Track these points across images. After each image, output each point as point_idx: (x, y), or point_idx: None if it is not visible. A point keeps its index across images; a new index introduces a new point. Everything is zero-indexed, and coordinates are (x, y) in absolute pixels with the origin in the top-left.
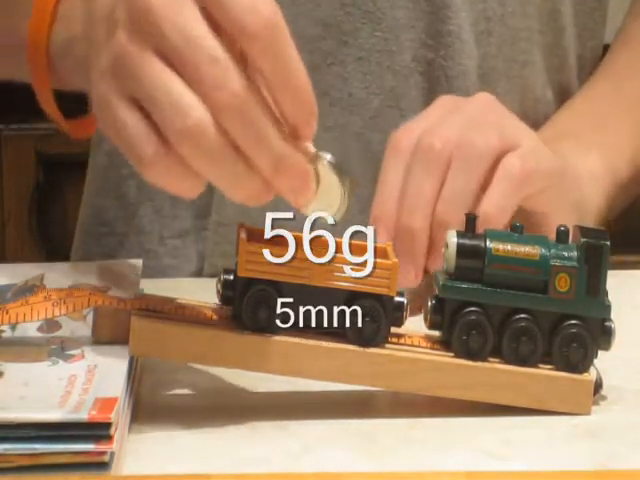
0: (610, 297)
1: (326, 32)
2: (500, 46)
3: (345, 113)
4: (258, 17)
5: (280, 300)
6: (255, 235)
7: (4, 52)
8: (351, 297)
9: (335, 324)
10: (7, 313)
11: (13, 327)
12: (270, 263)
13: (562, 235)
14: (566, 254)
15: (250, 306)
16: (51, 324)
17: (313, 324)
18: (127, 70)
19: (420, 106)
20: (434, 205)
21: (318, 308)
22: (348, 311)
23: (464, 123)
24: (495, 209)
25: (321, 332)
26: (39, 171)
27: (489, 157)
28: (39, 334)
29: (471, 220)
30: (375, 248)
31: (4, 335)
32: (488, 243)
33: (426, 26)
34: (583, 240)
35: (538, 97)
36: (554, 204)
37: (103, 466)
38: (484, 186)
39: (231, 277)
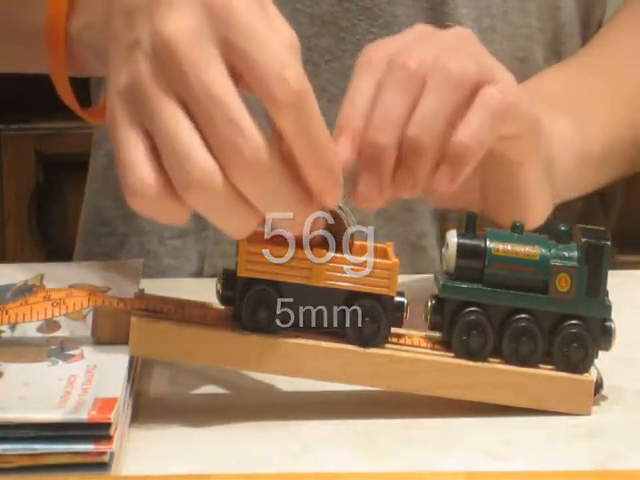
0: (610, 297)
1: (324, 29)
2: (501, 42)
3: None
4: (287, 87)
5: (280, 300)
6: (255, 235)
7: (19, 40)
8: (351, 297)
9: (335, 324)
10: (7, 313)
11: (13, 327)
12: (270, 263)
13: (562, 235)
14: (566, 254)
15: (250, 306)
16: (51, 324)
17: (313, 324)
18: (142, 102)
19: None
20: (405, 124)
21: (318, 308)
22: (348, 311)
23: (440, 48)
24: (471, 140)
25: (321, 332)
26: (39, 171)
27: (466, 83)
28: (39, 334)
29: (471, 220)
30: (375, 248)
31: (4, 335)
32: (488, 243)
33: (425, 23)
34: (583, 240)
35: None
36: (527, 154)
37: (103, 466)
38: (458, 116)
39: (231, 277)
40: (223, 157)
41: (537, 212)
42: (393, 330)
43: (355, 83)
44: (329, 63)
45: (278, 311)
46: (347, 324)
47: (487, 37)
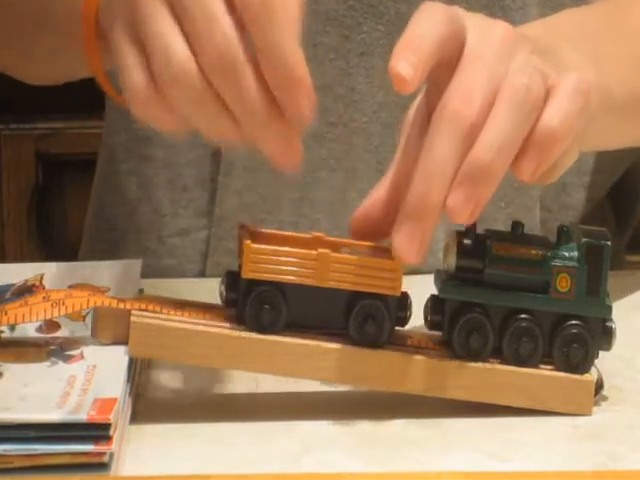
0: (611, 297)
1: (329, 26)
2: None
3: (349, 109)
4: None
5: (283, 301)
6: (258, 236)
7: (50, 29)
8: (354, 297)
9: (338, 325)
10: (6, 314)
11: (12, 328)
12: (274, 264)
13: (562, 235)
14: (567, 254)
15: (253, 307)
16: (50, 325)
17: (316, 325)
18: (137, 14)
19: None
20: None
21: (322, 308)
22: (352, 312)
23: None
24: (560, 124)
25: (324, 333)
26: (39, 171)
27: (542, 102)
28: (38, 335)
29: None
30: (378, 248)
31: (3, 336)
32: (488, 243)
33: None
34: (584, 240)
35: None
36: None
37: (102, 467)
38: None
39: (235, 279)
40: (197, 47)
41: (561, 171)
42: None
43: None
44: (334, 61)
45: (282, 312)
46: (351, 324)
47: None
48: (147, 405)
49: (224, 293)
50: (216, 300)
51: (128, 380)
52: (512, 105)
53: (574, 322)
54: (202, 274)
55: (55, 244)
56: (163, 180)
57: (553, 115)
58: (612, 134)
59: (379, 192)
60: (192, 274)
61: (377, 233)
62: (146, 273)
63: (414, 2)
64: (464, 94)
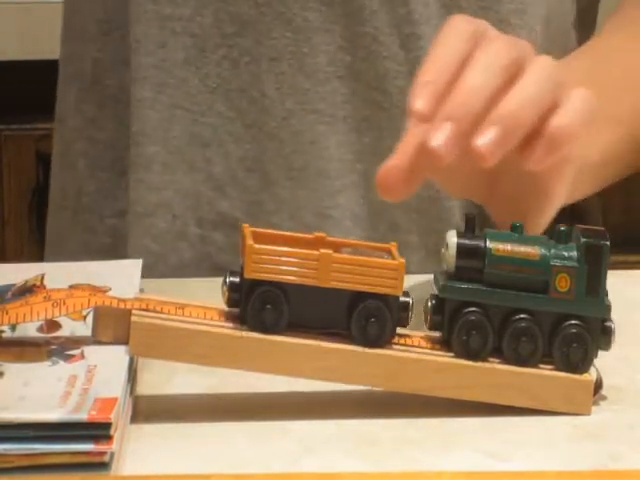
0: (610, 297)
1: (242, 29)
2: (427, 49)
3: (262, 113)
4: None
5: (285, 301)
6: (260, 236)
7: None
8: (356, 298)
9: (340, 325)
10: (7, 313)
11: (13, 327)
12: (276, 264)
13: (562, 235)
14: (566, 254)
15: (255, 307)
16: (51, 324)
17: (318, 325)
18: None
19: (344, 110)
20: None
21: (324, 309)
22: (354, 312)
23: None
24: (572, 124)
25: (326, 333)
26: (39, 171)
27: (560, 91)
28: (39, 334)
29: (470, 220)
30: (380, 248)
31: (4, 335)
32: (488, 243)
33: (342, 30)
34: (583, 240)
35: None
36: (562, 170)
37: (103, 466)
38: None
39: (237, 279)
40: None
41: (546, 221)
42: None
43: (442, 39)
44: (248, 65)
45: (283, 312)
46: (353, 325)
47: (410, 45)
48: (147, 405)
49: (226, 293)
50: (217, 300)
51: (129, 380)
52: (538, 76)
53: (574, 322)
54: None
55: None
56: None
57: (568, 110)
58: (583, 191)
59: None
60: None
61: (404, 185)
62: (88, 251)
63: (322, 10)
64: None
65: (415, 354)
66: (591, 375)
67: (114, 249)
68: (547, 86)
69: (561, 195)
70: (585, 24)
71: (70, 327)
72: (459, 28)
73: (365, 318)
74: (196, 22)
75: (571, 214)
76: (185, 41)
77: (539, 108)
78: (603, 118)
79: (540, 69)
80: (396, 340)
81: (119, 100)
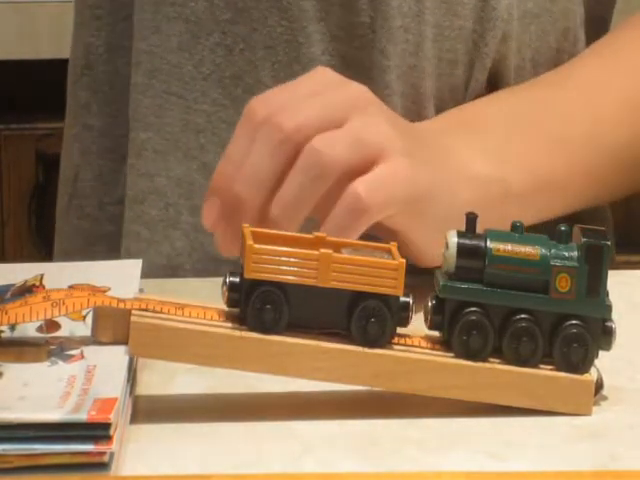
0: (611, 297)
1: (238, 16)
2: (420, 44)
3: None
4: None
5: (285, 301)
6: (260, 236)
7: None
8: (356, 298)
9: (340, 325)
10: (6, 313)
11: (12, 327)
12: (276, 264)
13: (562, 235)
14: (567, 254)
15: (255, 307)
16: (50, 324)
17: (318, 325)
18: None
19: None
20: (270, 187)
21: (323, 309)
22: (354, 312)
23: (328, 115)
24: (368, 193)
25: (326, 333)
26: (39, 171)
27: (332, 175)
28: (38, 334)
29: (471, 220)
30: (380, 248)
31: (3, 335)
32: (488, 243)
33: (338, 19)
34: (583, 240)
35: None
36: (412, 224)
37: (103, 466)
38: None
39: (237, 279)
40: None
41: (431, 257)
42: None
43: (234, 141)
44: (243, 52)
45: (283, 312)
46: (353, 325)
47: (402, 37)
48: (147, 405)
49: (226, 293)
50: (216, 300)
51: (128, 380)
52: (299, 167)
53: (574, 322)
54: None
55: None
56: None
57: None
58: (511, 219)
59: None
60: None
61: None
62: (87, 240)
63: None
64: (293, 116)
65: (415, 354)
66: (592, 375)
67: (117, 236)
68: (309, 173)
69: (427, 246)
70: (599, 33)
71: (70, 327)
72: (253, 123)
73: (365, 318)
74: (190, 7)
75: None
76: (179, 27)
77: (299, 204)
78: (531, 146)
79: (308, 153)
80: (396, 340)
81: (113, 86)
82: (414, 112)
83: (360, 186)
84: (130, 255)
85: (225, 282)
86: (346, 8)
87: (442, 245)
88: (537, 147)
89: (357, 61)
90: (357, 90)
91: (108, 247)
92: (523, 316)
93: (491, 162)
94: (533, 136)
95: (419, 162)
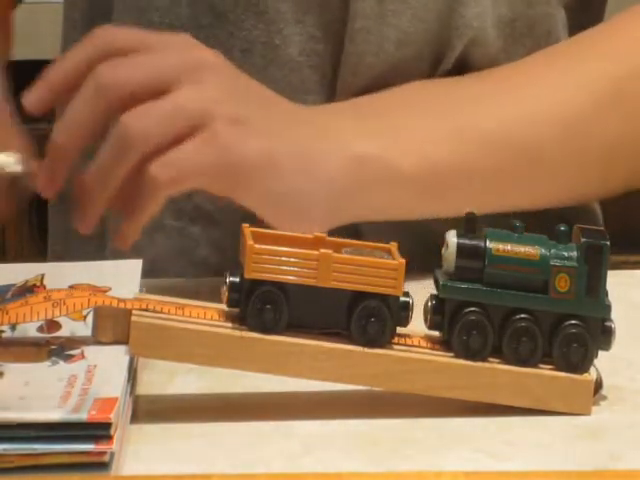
0: (610, 297)
1: (216, 20)
2: (381, 45)
3: None
4: None
5: (285, 301)
6: (260, 236)
7: None
8: (356, 297)
9: (340, 325)
10: (7, 313)
11: (13, 327)
12: (276, 264)
13: (562, 235)
14: (566, 254)
15: (255, 307)
16: (51, 324)
17: (318, 325)
18: None
19: (318, 99)
20: (83, 136)
21: (323, 309)
22: (354, 312)
23: (151, 79)
24: (161, 168)
25: (326, 333)
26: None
27: (138, 150)
28: (39, 334)
29: (471, 220)
30: (380, 248)
31: (4, 335)
32: (488, 243)
33: (315, 19)
34: (583, 240)
35: None
36: (238, 193)
37: (103, 466)
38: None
39: (237, 279)
40: None
41: (291, 229)
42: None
43: (78, 45)
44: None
45: (283, 312)
46: (353, 325)
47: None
48: (147, 405)
49: (226, 293)
50: (217, 300)
51: (129, 380)
52: (108, 139)
53: (574, 322)
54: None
55: None
56: None
57: (155, 160)
58: (402, 207)
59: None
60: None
61: None
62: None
63: (295, 1)
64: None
65: (415, 354)
66: (591, 375)
67: (101, 235)
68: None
69: (261, 207)
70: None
71: (70, 327)
72: (95, 42)
73: (365, 318)
74: (173, 13)
75: (570, 217)
76: (162, 32)
77: (105, 177)
78: (432, 130)
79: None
80: (396, 340)
81: None
82: None
83: (153, 163)
84: (115, 257)
85: (225, 282)
86: (323, 8)
87: (294, 219)
88: (438, 135)
89: (332, 59)
90: (198, 55)
91: (97, 248)
92: (523, 316)
93: (377, 143)
94: (436, 124)
95: (257, 130)
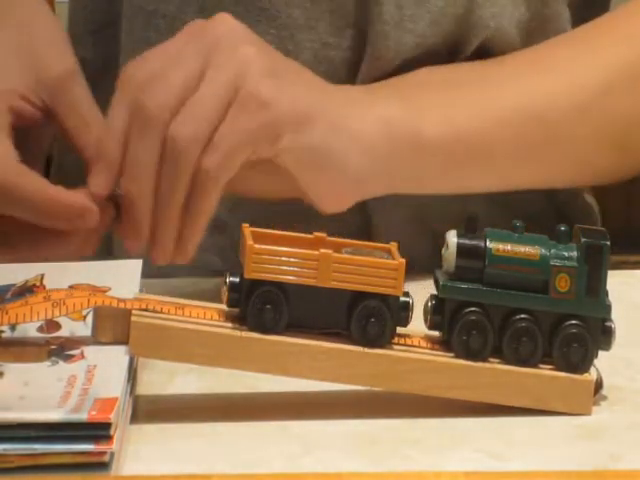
0: (610, 297)
1: None
2: (399, 50)
3: None
4: None
5: (285, 301)
6: (260, 236)
7: None
8: (356, 297)
9: (340, 325)
10: (7, 313)
11: (13, 327)
12: (276, 264)
13: (562, 235)
14: (566, 254)
15: (255, 307)
16: (51, 324)
17: (318, 325)
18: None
19: None
20: (153, 175)
21: (323, 309)
22: (354, 312)
23: (185, 78)
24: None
25: (326, 333)
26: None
27: (190, 161)
28: (39, 334)
29: (471, 220)
30: (380, 248)
31: (4, 335)
32: (488, 243)
33: (327, 26)
34: (583, 240)
35: None
36: (288, 156)
37: (103, 466)
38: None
39: (237, 279)
40: None
41: (328, 195)
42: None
43: (112, 109)
44: None
45: (283, 312)
46: (353, 325)
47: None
48: (147, 405)
49: (226, 293)
50: (217, 300)
51: (128, 380)
52: (165, 161)
53: (574, 322)
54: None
55: None
56: None
57: (205, 152)
58: (428, 175)
59: None
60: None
61: None
62: None
63: (307, 7)
64: (153, 95)
65: (415, 354)
66: (591, 375)
67: (109, 241)
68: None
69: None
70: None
71: (70, 327)
72: (126, 89)
73: (365, 318)
74: (180, 19)
75: (569, 216)
76: (169, 38)
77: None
78: (462, 104)
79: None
80: (396, 340)
81: (108, 100)
82: None
83: (201, 159)
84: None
85: (225, 282)
86: (336, 14)
87: (330, 180)
88: (459, 104)
89: (344, 65)
90: (212, 33)
91: (100, 248)
92: (523, 316)
93: (400, 105)
94: (456, 95)
95: (292, 85)
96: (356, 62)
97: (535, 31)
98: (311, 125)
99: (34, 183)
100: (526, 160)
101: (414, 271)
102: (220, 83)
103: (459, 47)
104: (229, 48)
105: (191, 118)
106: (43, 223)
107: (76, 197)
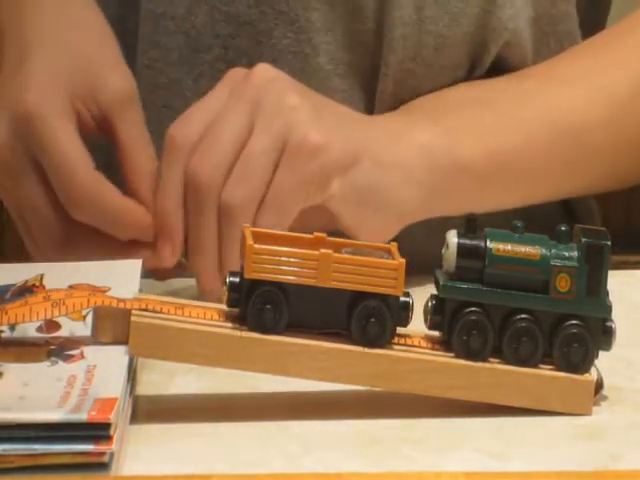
0: (611, 297)
1: (240, 30)
2: (419, 51)
3: None
4: None
5: (285, 301)
6: (260, 236)
7: None
8: (356, 297)
9: (340, 325)
10: (6, 314)
11: (12, 327)
12: (276, 264)
13: (562, 235)
14: (567, 254)
15: (255, 307)
16: (50, 324)
17: (318, 325)
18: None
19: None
20: (216, 242)
21: (323, 309)
22: (354, 312)
23: (235, 137)
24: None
25: (326, 333)
26: None
27: (247, 219)
28: (38, 334)
29: (471, 220)
30: (380, 248)
31: (3, 335)
32: (488, 243)
33: (343, 28)
34: (584, 240)
35: None
36: (335, 199)
37: (103, 466)
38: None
39: (237, 279)
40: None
41: (372, 230)
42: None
43: (164, 173)
44: (246, 67)
45: (283, 312)
46: (353, 325)
47: (400, 44)
48: (147, 405)
49: (226, 293)
50: (215, 300)
51: (128, 380)
52: (223, 229)
53: (574, 322)
54: None
55: None
56: None
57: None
58: (469, 197)
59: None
60: None
61: None
62: None
63: (325, 10)
64: (205, 162)
65: (415, 354)
66: (592, 375)
67: None
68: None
69: (348, 215)
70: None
71: (70, 327)
72: (176, 152)
73: (365, 318)
74: (190, 21)
75: (570, 216)
76: (178, 41)
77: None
78: (490, 125)
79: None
80: (396, 340)
81: None
82: None
83: (258, 219)
84: None
85: (225, 282)
86: (353, 17)
87: (376, 215)
88: (490, 124)
89: (361, 68)
90: (259, 80)
91: None
92: (523, 316)
93: (437, 132)
94: (487, 114)
95: (336, 128)
96: (375, 65)
97: (545, 33)
98: (358, 165)
99: (109, 193)
100: (559, 173)
101: (415, 271)
102: (269, 138)
103: (479, 51)
104: (273, 100)
105: (243, 179)
106: (114, 233)
107: (147, 216)
